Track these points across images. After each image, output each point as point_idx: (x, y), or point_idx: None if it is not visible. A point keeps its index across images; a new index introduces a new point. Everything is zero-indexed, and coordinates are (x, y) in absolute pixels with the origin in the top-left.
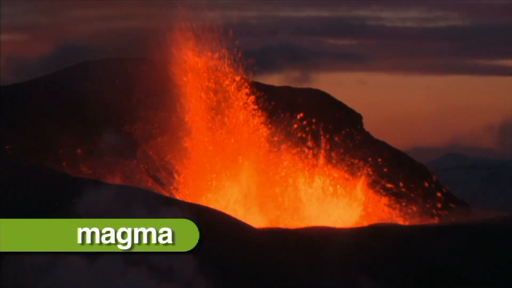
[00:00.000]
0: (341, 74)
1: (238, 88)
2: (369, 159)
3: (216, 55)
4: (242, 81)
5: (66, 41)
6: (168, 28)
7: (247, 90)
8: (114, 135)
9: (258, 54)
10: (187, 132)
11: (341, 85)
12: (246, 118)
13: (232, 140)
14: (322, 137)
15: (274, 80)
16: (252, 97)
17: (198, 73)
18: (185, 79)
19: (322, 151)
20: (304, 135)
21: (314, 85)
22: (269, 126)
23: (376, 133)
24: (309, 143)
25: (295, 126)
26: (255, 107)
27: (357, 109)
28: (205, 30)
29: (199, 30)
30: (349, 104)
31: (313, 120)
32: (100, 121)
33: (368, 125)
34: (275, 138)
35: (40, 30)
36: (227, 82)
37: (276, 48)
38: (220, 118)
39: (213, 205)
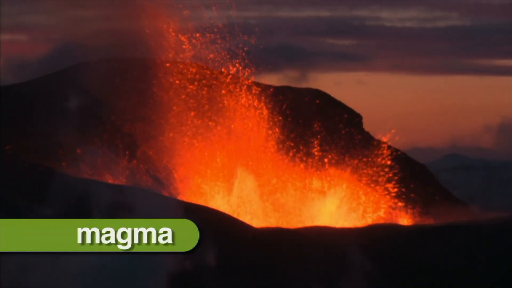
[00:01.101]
0: (340, 74)
1: (241, 87)
2: (369, 159)
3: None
4: (245, 79)
5: (66, 41)
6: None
7: (251, 88)
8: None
9: (257, 54)
10: (188, 131)
11: (340, 85)
12: (251, 116)
13: (232, 127)
14: (321, 137)
15: (272, 80)
16: (255, 95)
17: (198, 70)
18: (181, 75)
19: (322, 151)
20: (303, 135)
21: (313, 85)
22: (279, 125)
23: (376, 133)
24: (309, 143)
25: (295, 126)
26: (260, 105)
27: (356, 109)
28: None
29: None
30: (349, 104)
31: (313, 120)
32: (100, 121)
33: (368, 125)
34: (289, 143)
35: (39, 30)
36: (228, 79)
37: (275, 48)
38: (222, 117)
39: (213, 205)
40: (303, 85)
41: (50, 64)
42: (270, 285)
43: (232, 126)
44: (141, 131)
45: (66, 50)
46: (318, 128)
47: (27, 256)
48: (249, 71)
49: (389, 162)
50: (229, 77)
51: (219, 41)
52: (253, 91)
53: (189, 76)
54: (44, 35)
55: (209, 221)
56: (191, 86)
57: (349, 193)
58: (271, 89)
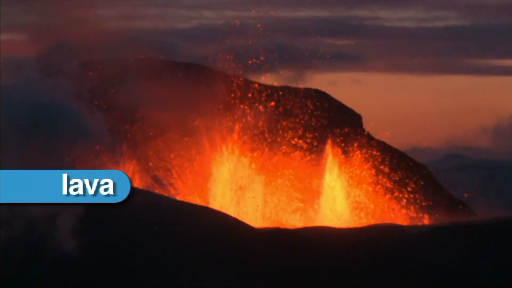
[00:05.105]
0: (339, 74)
1: (246, 88)
2: (369, 159)
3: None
4: (246, 81)
5: (65, 41)
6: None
7: (250, 88)
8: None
9: (255, 54)
10: (188, 131)
11: (339, 85)
12: (251, 116)
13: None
14: (321, 137)
15: (269, 80)
16: (254, 95)
17: (197, 70)
18: (183, 76)
19: (322, 151)
20: (303, 135)
21: (311, 85)
22: (278, 125)
23: (376, 133)
24: (308, 143)
25: (294, 126)
26: (260, 105)
27: (356, 109)
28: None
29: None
30: (349, 104)
31: (313, 120)
32: (100, 121)
33: (368, 125)
34: (289, 143)
35: (38, 30)
36: (232, 82)
37: (273, 48)
38: (222, 116)
39: (213, 205)
40: (301, 85)
41: (50, 64)
42: (270, 285)
43: (232, 125)
44: (141, 131)
45: (65, 50)
46: (318, 128)
47: None
48: (247, 71)
49: (388, 162)
50: (228, 77)
51: (218, 41)
52: (252, 91)
53: (189, 76)
54: (44, 35)
55: (209, 220)
56: (190, 86)
57: (349, 193)
58: (270, 89)
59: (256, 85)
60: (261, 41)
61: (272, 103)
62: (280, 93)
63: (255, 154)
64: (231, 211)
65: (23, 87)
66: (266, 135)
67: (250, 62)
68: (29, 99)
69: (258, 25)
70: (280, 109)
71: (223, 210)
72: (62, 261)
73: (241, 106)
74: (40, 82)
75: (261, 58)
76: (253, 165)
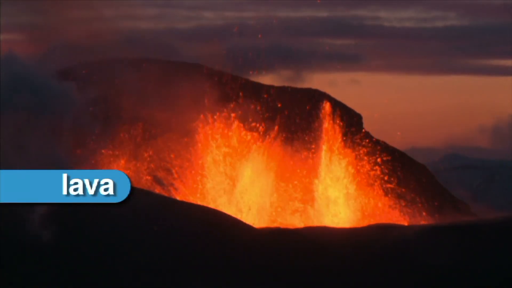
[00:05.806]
0: (339, 74)
1: (240, 86)
2: (369, 159)
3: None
4: (243, 81)
5: (65, 41)
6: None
7: (250, 87)
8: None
9: (255, 54)
10: (189, 132)
11: (338, 85)
12: (250, 115)
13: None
14: (321, 137)
15: (267, 80)
16: (254, 95)
17: (196, 70)
18: (187, 77)
19: (322, 151)
20: (303, 135)
21: (311, 85)
22: (278, 125)
23: (376, 133)
24: (309, 143)
25: (294, 125)
26: (260, 104)
27: (356, 109)
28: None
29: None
30: (348, 104)
31: (312, 120)
32: (100, 122)
33: (368, 125)
34: (289, 142)
35: (38, 30)
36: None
37: (273, 48)
38: (221, 116)
39: (213, 205)
40: (300, 85)
41: (50, 64)
42: (270, 285)
43: (232, 124)
44: (141, 131)
45: (65, 50)
46: (318, 127)
47: None
48: (247, 71)
49: (389, 162)
50: (228, 76)
51: (217, 41)
52: (252, 91)
53: (188, 75)
54: (42, 35)
55: (209, 220)
56: (190, 86)
57: (349, 193)
58: (271, 89)
59: (257, 85)
60: (261, 41)
61: (273, 103)
62: (281, 93)
63: (255, 154)
64: (231, 211)
65: (6, 63)
66: (266, 136)
67: (250, 65)
68: (12, 74)
69: (258, 27)
70: (280, 108)
71: (224, 210)
72: (61, 261)
73: (241, 105)
74: (24, 59)
75: (261, 58)
76: (253, 166)
